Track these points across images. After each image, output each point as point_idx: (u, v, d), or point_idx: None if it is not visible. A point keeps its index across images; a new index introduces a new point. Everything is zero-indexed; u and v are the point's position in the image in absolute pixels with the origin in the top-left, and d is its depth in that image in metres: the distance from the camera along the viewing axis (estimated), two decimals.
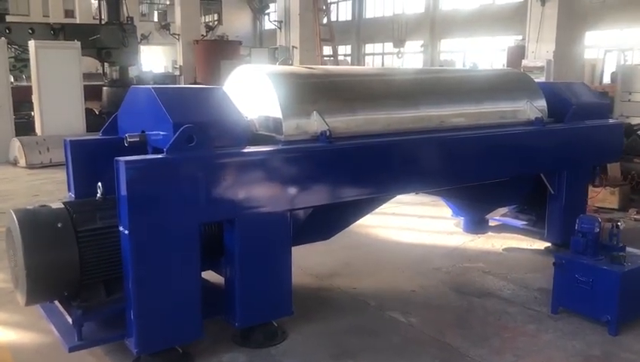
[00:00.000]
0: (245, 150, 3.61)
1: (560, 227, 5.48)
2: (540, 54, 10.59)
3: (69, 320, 3.44)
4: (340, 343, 3.80)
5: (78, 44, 11.93)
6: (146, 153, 3.78)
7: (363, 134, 4.20)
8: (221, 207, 3.48)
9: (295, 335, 3.89)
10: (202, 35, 20.01)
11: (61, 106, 11.52)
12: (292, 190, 3.75)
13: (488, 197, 5.51)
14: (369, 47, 34.12)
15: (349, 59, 31.74)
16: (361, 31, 33.28)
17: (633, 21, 18.34)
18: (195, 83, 19.31)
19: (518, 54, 11.82)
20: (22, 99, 13.13)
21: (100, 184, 3.70)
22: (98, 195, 3.68)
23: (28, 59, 15.33)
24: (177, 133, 3.35)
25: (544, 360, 3.62)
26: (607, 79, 17.40)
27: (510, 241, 5.99)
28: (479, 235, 6.15)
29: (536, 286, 4.80)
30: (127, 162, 3.17)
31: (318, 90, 4.17)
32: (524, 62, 10.84)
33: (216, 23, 19.91)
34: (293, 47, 13.58)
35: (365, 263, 5.38)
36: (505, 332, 3.98)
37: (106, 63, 16.69)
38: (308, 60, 13.66)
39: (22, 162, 10.50)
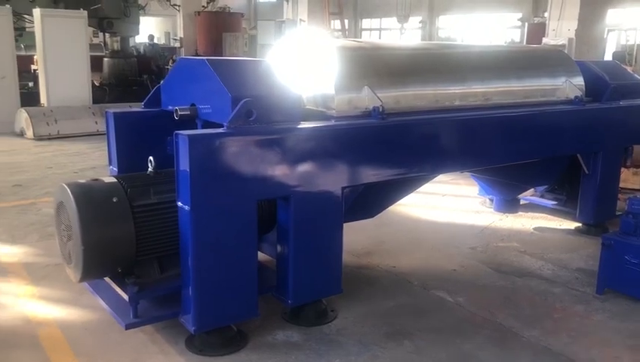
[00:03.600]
0: (303, 125, 3.52)
1: (593, 207, 5.47)
2: (561, 32, 10.46)
3: (124, 296, 3.37)
4: (392, 322, 3.76)
5: (84, 13, 11.68)
6: (195, 127, 3.68)
7: (411, 110, 4.12)
8: (278, 183, 3.40)
9: (345, 314, 3.85)
10: (203, 7, 19.60)
11: (67, 77, 11.33)
12: (346, 167, 3.67)
13: (523, 176, 5.47)
14: (366, 23, 33.76)
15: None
16: (358, 5, 32.87)
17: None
18: (197, 55, 19.00)
19: (538, 32, 11.69)
20: (20, 69, 12.87)
21: (151, 158, 3.60)
22: (149, 170, 3.58)
23: (24, 28, 15.01)
24: (238, 106, 3.25)
25: (600, 341, 3.61)
26: (608, 58, 17.35)
27: (539, 221, 5.97)
28: (507, 215, 6.13)
29: (574, 267, 4.78)
30: (190, 136, 3.06)
31: (368, 64, 4.06)
32: (545, 40, 10.71)
33: None
34: (300, 20, 13.34)
35: (399, 241, 5.33)
36: (555, 313, 3.96)
37: (106, 34, 16.33)
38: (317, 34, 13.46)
39: (29, 133, 10.31)
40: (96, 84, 14.71)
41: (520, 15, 26.48)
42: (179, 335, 3.49)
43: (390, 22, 29.95)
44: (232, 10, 20.01)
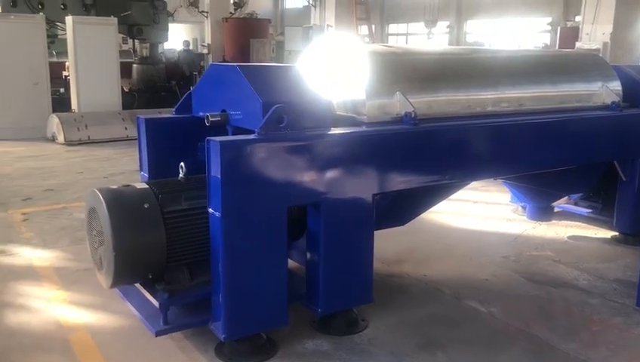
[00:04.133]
0: (334, 131, 3.47)
1: (630, 215, 5.30)
2: (595, 36, 10.25)
3: (154, 302, 3.37)
4: (424, 333, 3.69)
5: (114, 19, 11.83)
6: (225, 133, 3.67)
7: (443, 116, 4.05)
8: (309, 190, 3.36)
9: (376, 324, 3.78)
10: (230, 13, 19.75)
11: (98, 83, 11.47)
12: (377, 173, 3.61)
13: (558, 183, 5.34)
14: (392, 28, 33.69)
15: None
16: (384, 11, 32.81)
17: None
18: (224, 61, 19.14)
19: (571, 36, 11.48)
20: (51, 76, 13.09)
21: (182, 164, 3.59)
22: (181, 176, 3.57)
23: (55, 36, 15.27)
24: (269, 112, 3.22)
25: None
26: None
27: (574, 229, 5.82)
28: (540, 223, 6.00)
29: (611, 277, 4.64)
30: (222, 142, 3.04)
31: (399, 69, 4.01)
32: (578, 44, 10.49)
33: (245, 1, 19.58)
34: (328, 25, 13.32)
35: (430, 249, 5.25)
36: (592, 325, 3.84)
37: (136, 40, 16.54)
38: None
39: (60, 138, 10.46)
40: (125, 90, 14.90)
41: (550, 19, 26.17)
42: (208, 343, 3.47)
43: (417, 27, 29.87)
44: (259, 17, 20.15)
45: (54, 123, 10.64)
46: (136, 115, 4.18)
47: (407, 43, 31.76)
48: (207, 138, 3.16)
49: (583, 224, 5.94)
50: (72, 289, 4.27)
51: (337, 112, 3.86)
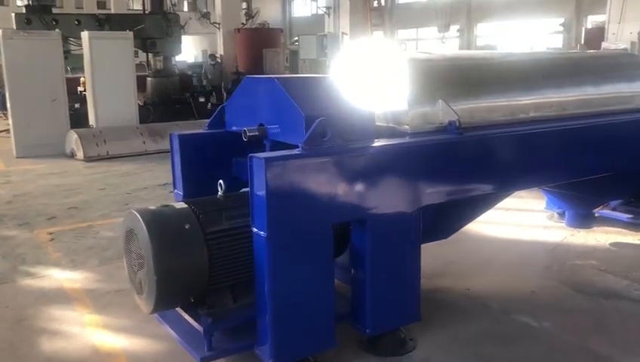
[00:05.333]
0: (378, 144, 3.33)
1: None
2: (622, 36, 10.05)
3: (196, 327, 3.23)
4: (478, 352, 3.52)
5: (130, 34, 11.78)
6: (262, 148, 3.53)
7: (486, 123, 3.90)
8: (354, 205, 3.21)
9: (425, 343, 3.62)
10: (242, 24, 19.70)
11: (114, 97, 11.41)
12: (424, 186, 3.47)
13: (599, 189, 5.15)
14: (402, 33, 33.55)
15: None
16: (393, 17, 32.71)
17: None
18: (237, 72, 19.07)
19: (596, 36, 11.28)
20: (67, 91, 13.05)
21: (221, 182, 3.45)
22: (219, 193, 3.44)
23: (69, 51, 15.26)
24: (313, 126, 3.09)
25: None
26: None
27: (614, 236, 5.62)
28: (578, 230, 5.80)
29: None
30: (267, 158, 2.90)
31: (439, 76, 3.87)
32: (604, 44, 10.29)
33: (256, 11, 19.54)
34: (342, 33, 13.21)
35: (468, 261, 5.08)
36: None
37: (150, 54, 16.53)
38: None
39: (79, 155, 10.39)
40: (140, 104, 14.86)
41: (562, 20, 25.91)
42: None
43: (426, 32, 29.73)
44: (270, 26, 20.09)
45: (73, 139, 10.58)
46: (169, 132, 4.08)
47: (417, 48, 31.63)
48: (250, 155, 3.02)
49: (623, 230, 5.74)
50: (105, 313, 4.14)
51: (377, 123, 3.72)
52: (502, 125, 3.92)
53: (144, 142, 10.98)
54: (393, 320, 3.53)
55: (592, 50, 8.29)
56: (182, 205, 3.29)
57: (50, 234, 6.02)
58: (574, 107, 4.33)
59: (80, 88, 16.06)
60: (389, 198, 3.33)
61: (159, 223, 3.09)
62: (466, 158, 3.62)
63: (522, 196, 6.91)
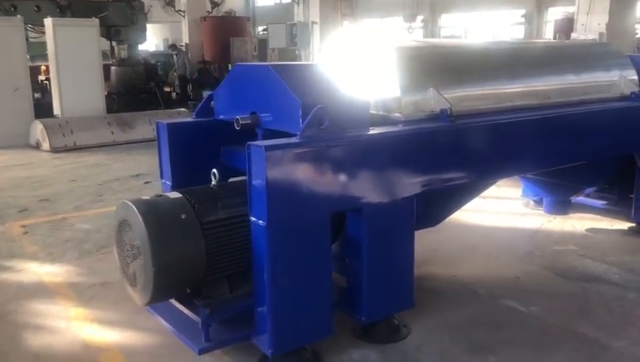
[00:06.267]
0: (375, 132, 3.33)
1: None
2: (591, 27, 10.27)
3: (192, 318, 3.18)
4: (469, 337, 3.57)
5: (96, 21, 11.48)
6: (253, 137, 3.49)
7: (475, 111, 3.94)
8: (350, 194, 3.21)
9: (418, 329, 3.65)
10: (207, 12, 19.42)
11: (80, 87, 11.10)
12: (418, 173, 3.49)
13: (577, 176, 5.27)
14: (366, 23, 33.55)
15: None
16: (358, 6, 32.65)
17: None
18: (204, 61, 18.83)
19: (566, 27, 11.49)
20: None
21: (214, 171, 3.40)
22: (213, 183, 3.39)
23: (27, 39, 14.75)
24: (310, 114, 3.06)
25: None
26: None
27: (589, 222, 5.77)
28: (555, 216, 5.94)
29: None
30: (266, 147, 2.87)
31: (430, 64, 3.89)
32: (574, 35, 10.50)
33: None
34: (312, 22, 13.15)
35: (452, 248, 5.14)
36: (637, 321, 3.76)
37: (113, 42, 16.12)
38: (329, 36, 13.25)
39: (45, 146, 10.10)
40: (104, 93, 14.51)
41: (523, 11, 26.37)
42: (250, 357, 3.29)
43: (390, 22, 29.83)
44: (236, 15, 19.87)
45: (38, 129, 10.27)
46: (156, 120, 3.97)
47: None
48: (249, 143, 2.98)
49: (597, 216, 5.90)
50: (92, 306, 4.04)
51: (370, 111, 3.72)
52: (490, 113, 3.97)
53: (112, 133, 10.75)
54: (388, 307, 3.55)
55: (569, 41, 8.45)
56: (176, 195, 3.22)
57: (24, 227, 5.84)
58: (559, 95, 4.43)
59: (41, 77, 15.59)
60: (385, 186, 3.34)
61: (155, 214, 3.02)
62: (459, 146, 3.66)
63: (499, 184, 7.01)
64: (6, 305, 4.07)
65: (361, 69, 3.86)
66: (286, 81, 3.23)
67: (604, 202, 5.83)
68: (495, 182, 4.40)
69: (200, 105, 3.99)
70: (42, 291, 4.31)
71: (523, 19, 26.29)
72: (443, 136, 3.58)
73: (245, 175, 3.77)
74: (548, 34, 23.72)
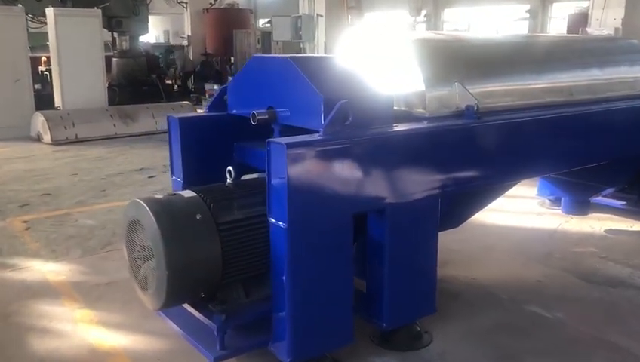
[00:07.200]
0: (402, 129, 3.16)
1: None
2: (606, 22, 10.06)
3: (206, 323, 3.01)
4: (495, 344, 3.41)
5: (98, 11, 11.28)
6: (269, 133, 3.32)
7: (502, 108, 3.77)
8: (375, 194, 3.04)
9: (440, 336, 3.49)
10: (210, 4, 19.17)
11: (82, 78, 10.91)
12: (445, 173, 3.33)
13: (598, 175, 5.11)
14: (370, 16, 33.26)
15: None
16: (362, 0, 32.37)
17: None
18: (206, 54, 18.60)
19: (579, 22, 11.29)
20: None
21: (230, 168, 3.23)
22: (228, 181, 3.22)
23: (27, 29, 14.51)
24: (334, 109, 2.89)
25: None
26: None
27: (608, 223, 5.61)
28: (572, 216, 5.78)
29: None
30: (288, 144, 2.69)
31: (455, 59, 3.72)
32: (589, 30, 10.31)
33: None
34: (318, 15, 12.93)
35: (468, 249, 4.97)
36: None
37: (115, 33, 15.89)
38: (335, 29, 13.03)
39: (46, 138, 9.92)
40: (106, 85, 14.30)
41: (528, 7, 26.13)
42: None
43: (395, 15, 29.58)
44: (240, 7, 19.63)
45: (39, 121, 10.07)
46: (167, 115, 3.79)
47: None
48: (269, 140, 2.80)
49: (615, 216, 5.75)
50: (98, 307, 3.87)
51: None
52: (516, 110, 3.80)
53: (114, 125, 10.56)
54: (410, 313, 3.39)
55: (594, 35, 8.27)
56: (190, 194, 3.05)
57: (25, 222, 5.66)
58: (586, 92, 4.27)
59: (41, 68, 15.37)
60: (410, 186, 3.17)
61: (169, 213, 2.85)
62: (486, 144, 3.49)
63: None
64: (9, 305, 3.91)
65: (380, 63, 3.68)
66: (307, 75, 3.05)
67: (623, 202, 5.67)
68: (519, 182, 4.22)
69: (212, 99, 3.82)
70: (46, 291, 4.14)
71: (527, 15, 26.04)
72: (470, 133, 3.41)
73: (259, 172, 3.66)
74: (552, 30, 23.50)
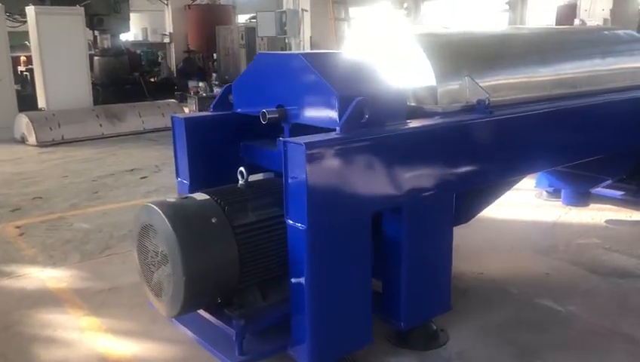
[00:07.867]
0: (418, 125, 3.11)
1: None
2: (594, 13, 10.13)
3: (223, 329, 2.93)
4: (512, 340, 3.38)
5: (81, 9, 11.06)
6: (278, 131, 3.24)
7: (509, 102, 3.74)
8: (392, 192, 2.98)
9: (456, 334, 3.45)
10: (192, 0, 18.94)
11: (66, 78, 10.67)
12: (458, 168, 3.28)
13: (599, 167, 5.11)
14: (353, 11, 33.17)
15: None
16: None
17: None
18: (189, 51, 18.40)
19: (568, 14, 11.35)
20: None
21: (242, 169, 3.15)
22: (240, 182, 3.14)
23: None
24: (351, 107, 2.83)
25: None
26: None
27: (607, 213, 5.62)
28: (571, 207, 5.79)
29: None
30: (307, 144, 2.62)
31: (463, 52, 3.68)
32: (577, 22, 10.37)
33: None
34: (303, 10, 12.83)
35: (472, 243, 4.92)
36: None
37: (96, 31, 15.62)
38: (320, 24, 12.93)
39: (31, 140, 9.70)
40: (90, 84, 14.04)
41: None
42: None
43: (379, 9, 29.53)
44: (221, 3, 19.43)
45: (23, 123, 9.85)
46: (171, 115, 3.69)
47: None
48: (285, 140, 2.73)
49: (614, 207, 5.76)
50: (103, 314, 3.77)
51: None
52: (525, 103, 3.78)
53: (101, 125, 10.37)
54: (427, 311, 3.35)
55: (592, 26, 8.29)
56: (203, 196, 2.96)
57: (19, 227, 5.52)
58: (594, 83, 4.28)
59: (21, 68, 15.06)
60: (426, 182, 3.13)
61: (183, 218, 2.76)
62: (499, 138, 3.46)
63: None
64: (10, 314, 3.79)
65: (388, 58, 3.62)
66: (320, 71, 2.98)
67: (622, 192, 5.69)
68: (527, 175, 4.20)
69: (217, 97, 3.72)
70: (48, 298, 4.03)
71: (507, 7, 26.20)
72: (485, 128, 3.37)
73: (265, 172, 3.59)
74: (531, 22, 23.66)
